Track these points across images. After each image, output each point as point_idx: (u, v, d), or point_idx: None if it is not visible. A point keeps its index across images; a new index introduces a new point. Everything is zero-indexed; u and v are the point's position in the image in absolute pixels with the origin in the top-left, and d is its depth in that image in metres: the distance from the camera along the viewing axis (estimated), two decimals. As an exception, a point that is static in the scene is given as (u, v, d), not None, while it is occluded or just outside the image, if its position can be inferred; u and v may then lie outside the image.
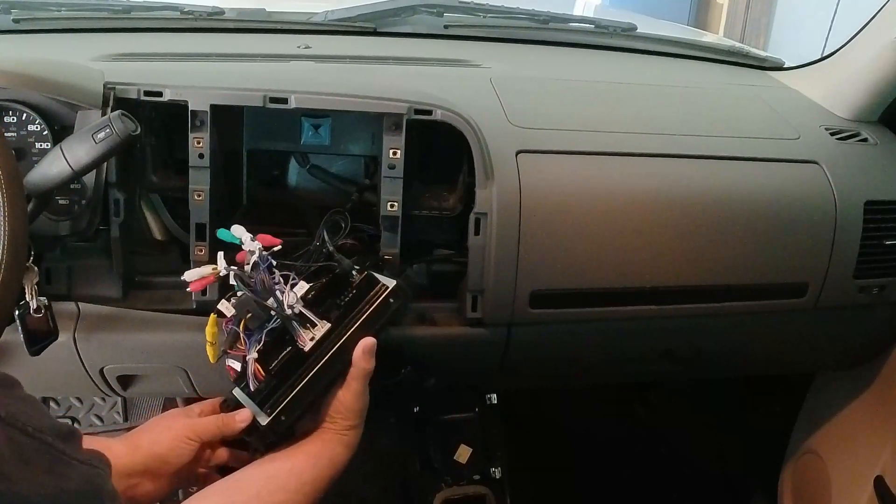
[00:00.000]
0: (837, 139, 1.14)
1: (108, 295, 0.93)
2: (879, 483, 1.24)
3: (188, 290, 0.81)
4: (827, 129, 1.15)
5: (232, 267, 0.79)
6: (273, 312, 0.78)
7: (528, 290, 0.95)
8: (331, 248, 0.87)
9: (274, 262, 0.80)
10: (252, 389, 0.79)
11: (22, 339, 0.84)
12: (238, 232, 0.80)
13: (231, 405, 0.84)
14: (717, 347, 1.15)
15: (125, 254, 0.91)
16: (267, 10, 1.35)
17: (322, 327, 0.80)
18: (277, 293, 0.78)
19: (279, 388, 0.78)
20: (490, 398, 1.35)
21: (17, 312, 0.83)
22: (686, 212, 0.99)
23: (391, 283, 0.83)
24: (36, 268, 0.84)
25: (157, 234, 0.98)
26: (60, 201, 0.86)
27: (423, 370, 0.97)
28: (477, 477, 1.34)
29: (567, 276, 0.96)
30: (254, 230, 0.81)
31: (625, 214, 0.97)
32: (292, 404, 0.78)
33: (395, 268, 0.94)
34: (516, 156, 0.95)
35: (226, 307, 0.77)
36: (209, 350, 0.81)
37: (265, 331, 0.78)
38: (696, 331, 1.09)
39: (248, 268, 0.79)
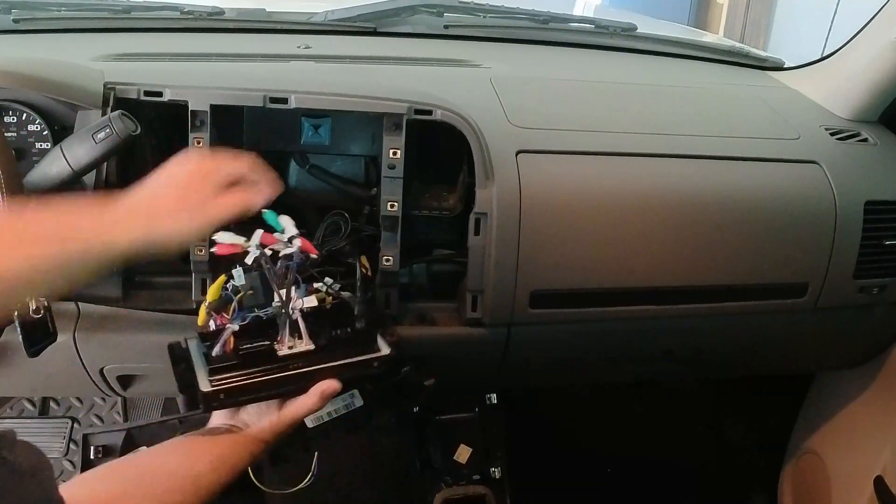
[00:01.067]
0: (837, 139, 1.14)
1: (107, 295, 0.92)
2: (879, 483, 1.24)
3: (213, 250, 0.79)
4: (827, 130, 1.15)
5: (262, 245, 0.78)
6: (273, 306, 0.78)
7: (528, 291, 0.95)
8: (365, 276, 0.89)
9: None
10: (213, 355, 0.78)
11: (21, 340, 0.84)
12: (286, 222, 0.80)
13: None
14: (718, 347, 1.15)
15: (125, 254, 0.91)
16: (267, 10, 1.35)
17: (305, 345, 0.80)
18: (292, 291, 0.79)
19: (235, 370, 0.77)
20: (490, 398, 1.36)
21: (16, 313, 0.83)
22: (686, 212, 0.99)
23: (386, 350, 0.83)
24: (36, 268, 0.84)
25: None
26: (60, 201, 0.86)
27: (423, 370, 0.97)
28: (477, 477, 1.34)
29: (567, 277, 0.96)
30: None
31: (625, 214, 0.97)
32: (236, 392, 0.77)
33: (393, 276, 0.94)
34: (516, 156, 0.95)
35: (238, 275, 0.78)
36: (202, 312, 0.80)
37: (252, 315, 0.79)
38: (696, 331, 1.09)
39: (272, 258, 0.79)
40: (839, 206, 1.04)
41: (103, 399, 1.48)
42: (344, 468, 1.54)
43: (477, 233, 0.92)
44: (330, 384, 0.78)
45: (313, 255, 0.81)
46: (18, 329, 0.84)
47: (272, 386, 0.78)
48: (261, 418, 0.80)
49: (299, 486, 0.87)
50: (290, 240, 0.79)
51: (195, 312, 0.92)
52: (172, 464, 0.74)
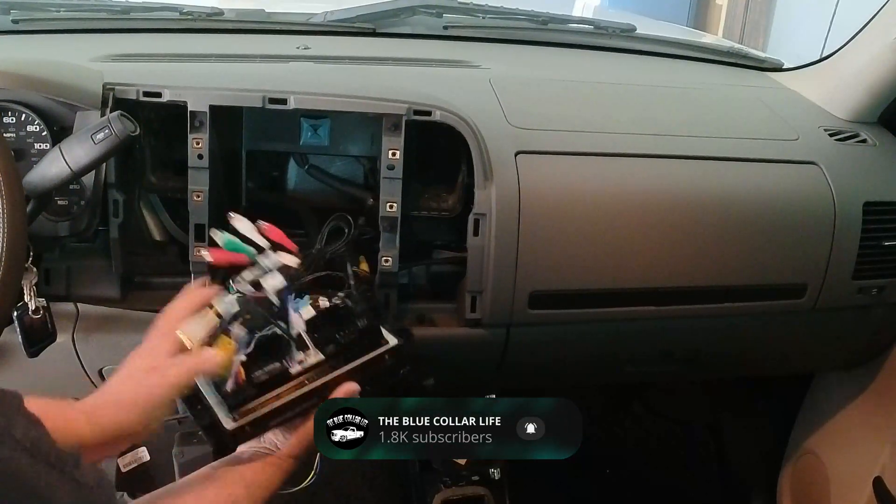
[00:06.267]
0: (836, 140, 1.14)
1: (107, 295, 0.93)
2: (878, 484, 1.24)
3: (207, 257, 0.77)
4: (826, 130, 1.15)
5: (237, 293, 0.75)
6: (275, 328, 0.77)
7: (527, 291, 0.95)
8: (351, 282, 0.87)
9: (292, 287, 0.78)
10: (228, 390, 0.76)
11: (20, 341, 0.84)
12: (243, 227, 0.76)
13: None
14: (717, 348, 1.15)
15: (124, 254, 0.91)
16: (266, 10, 1.35)
17: (314, 356, 0.78)
18: (291, 313, 0.77)
19: (255, 399, 0.76)
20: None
21: (15, 313, 0.83)
22: (685, 213, 0.99)
23: (393, 341, 0.81)
24: (35, 268, 0.84)
25: (156, 234, 0.99)
26: (59, 202, 0.86)
27: (422, 370, 0.97)
28: (476, 478, 1.34)
29: (566, 277, 0.96)
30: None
31: (624, 215, 0.97)
32: (262, 421, 0.75)
33: (393, 277, 0.93)
34: (515, 156, 0.95)
35: (230, 302, 0.74)
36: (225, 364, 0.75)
37: (256, 336, 0.76)
38: (696, 332, 1.09)
39: (243, 285, 0.76)
40: (838, 207, 1.04)
41: (102, 400, 1.48)
42: (344, 468, 1.54)
43: (476, 233, 0.92)
44: (349, 387, 0.76)
45: (296, 263, 0.78)
46: (18, 329, 0.84)
47: (294, 406, 0.76)
48: (287, 436, 0.78)
49: (299, 486, 0.86)
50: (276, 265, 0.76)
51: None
52: (210, 495, 0.72)
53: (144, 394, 0.70)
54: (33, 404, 0.51)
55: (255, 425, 0.75)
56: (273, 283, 0.75)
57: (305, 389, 0.76)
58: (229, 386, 0.76)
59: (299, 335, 0.78)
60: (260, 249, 0.76)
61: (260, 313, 0.75)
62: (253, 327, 0.76)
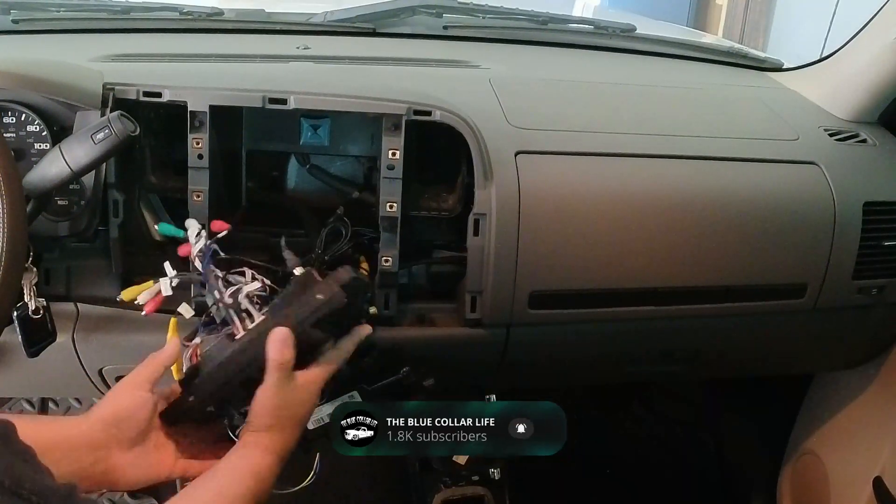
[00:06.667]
0: (836, 140, 1.14)
1: (107, 295, 0.92)
2: (878, 484, 1.24)
3: (143, 314, 0.84)
4: (826, 130, 1.15)
5: (182, 273, 0.81)
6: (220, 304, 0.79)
7: (527, 291, 0.95)
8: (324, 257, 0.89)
9: (221, 253, 0.81)
10: (185, 372, 0.79)
11: (20, 341, 0.84)
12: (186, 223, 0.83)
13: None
14: (717, 348, 1.15)
15: (124, 254, 0.91)
16: (266, 10, 1.35)
17: (257, 318, 0.78)
18: (220, 285, 0.79)
19: (201, 370, 0.77)
20: (489, 399, 1.35)
21: (15, 313, 0.83)
22: (685, 213, 0.99)
23: (329, 282, 0.79)
24: (35, 268, 0.84)
25: (156, 234, 0.98)
26: (59, 202, 0.86)
27: (422, 370, 0.97)
28: (476, 478, 1.34)
29: (566, 277, 0.96)
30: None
31: (624, 215, 0.97)
32: (201, 386, 0.76)
33: (392, 277, 0.93)
34: (515, 156, 0.95)
35: (185, 309, 0.80)
36: (175, 372, 0.81)
37: (225, 329, 0.78)
38: (696, 332, 1.09)
39: (197, 262, 0.81)
40: (838, 207, 1.04)
41: (102, 400, 1.48)
42: (343, 468, 1.54)
43: (476, 233, 0.92)
44: (278, 331, 0.74)
45: (223, 231, 0.84)
46: (18, 329, 0.84)
47: (231, 364, 0.75)
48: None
49: (299, 486, 0.86)
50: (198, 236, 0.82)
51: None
52: (201, 496, 0.71)
53: (120, 385, 0.77)
54: (44, 428, 0.51)
55: (198, 392, 0.76)
56: (197, 246, 0.82)
57: (243, 346, 0.76)
58: (185, 368, 0.79)
59: (239, 303, 0.79)
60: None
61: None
62: (222, 319, 0.79)
